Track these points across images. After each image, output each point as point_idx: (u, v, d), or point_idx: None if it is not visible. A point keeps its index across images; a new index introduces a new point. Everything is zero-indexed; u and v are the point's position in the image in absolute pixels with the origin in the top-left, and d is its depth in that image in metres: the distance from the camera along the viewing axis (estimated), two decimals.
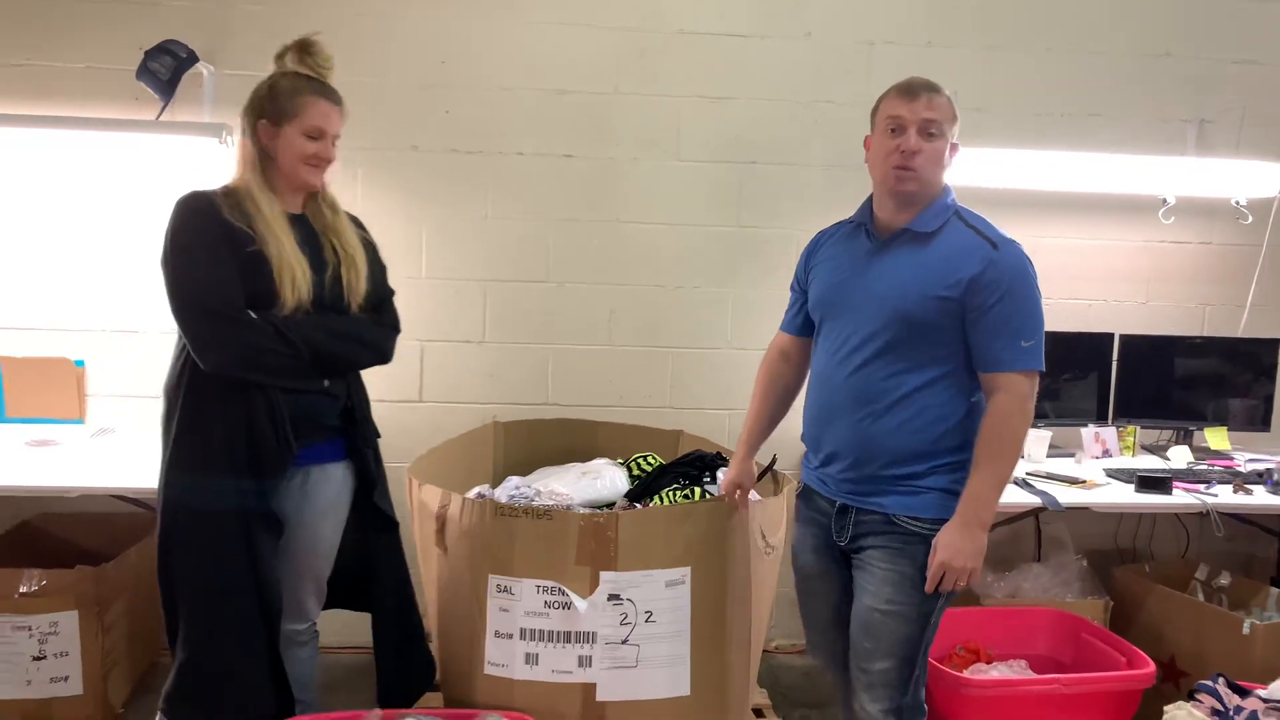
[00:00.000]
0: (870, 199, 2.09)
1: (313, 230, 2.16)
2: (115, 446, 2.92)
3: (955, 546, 1.88)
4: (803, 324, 2.22)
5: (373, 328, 2.24)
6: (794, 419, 2.25)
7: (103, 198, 3.12)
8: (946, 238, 1.97)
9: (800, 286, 2.23)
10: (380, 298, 2.29)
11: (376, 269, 2.28)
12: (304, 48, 2.12)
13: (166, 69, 2.92)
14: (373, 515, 2.30)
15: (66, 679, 2.70)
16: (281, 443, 2.05)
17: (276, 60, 2.15)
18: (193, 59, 2.94)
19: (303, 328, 2.06)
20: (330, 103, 2.11)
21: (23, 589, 2.65)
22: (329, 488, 2.21)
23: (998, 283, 1.90)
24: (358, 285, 2.18)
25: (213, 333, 1.99)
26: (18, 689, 2.68)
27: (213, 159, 3.05)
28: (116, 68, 3.04)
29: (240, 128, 2.14)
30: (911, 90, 1.94)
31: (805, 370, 2.24)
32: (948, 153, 1.97)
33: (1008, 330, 1.90)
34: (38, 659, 2.68)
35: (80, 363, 3.14)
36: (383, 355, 2.26)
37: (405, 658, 2.35)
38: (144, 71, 2.91)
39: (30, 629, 2.66)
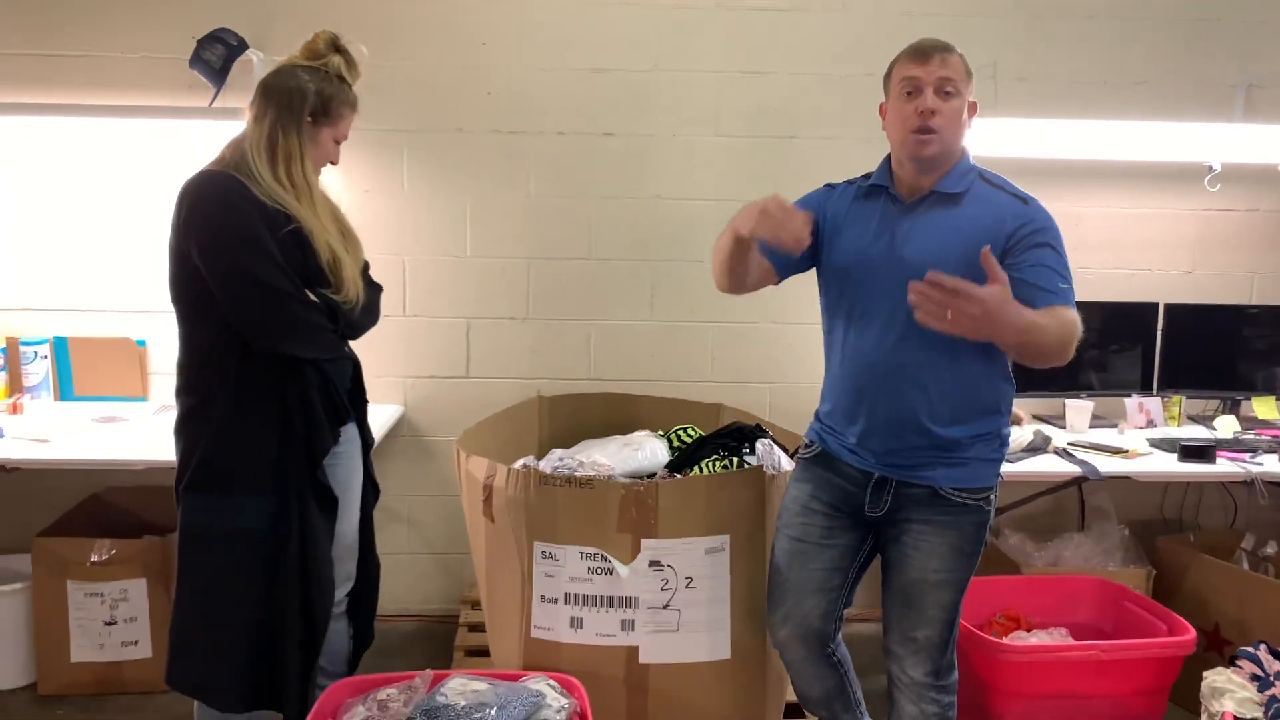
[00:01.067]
0: (888, 161, 2.06)
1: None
2: None
3: (1001, 302, 1.68)
4: (781, 261, 2.07)
5: (378, 295, 2.29)
6: (811, 395, 2.25)
7: (161, 184, 3.22)
8: (975, 197, 1.95)
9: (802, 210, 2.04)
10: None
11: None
12: (345, 55, 2.15)
13: (218, 57, 3.00)
14: (369, 485, 2.34)
15: (136, 643, 2.85)
16: (341, 410, 2.14)
17: (312, 54, 2.14)
18: (243, 46, 3.03)
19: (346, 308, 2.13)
20: (355, 113, 2.18)
21: (94, 558, 2.79)
22: (354, 448, 2.27)
23: (1036, 233, 1.88)
24: (359, 255, 2.23)
25: (278, 313, 2.00)
26: (92, 652, 2.83)
27: None
28: (171, 57, 3.13)
29: (270, 113, 2.08)
30: (924, 51, 1.91)
31: (748, 283, 2.11)
32: (966, 112, 1.95)
33: (1048, 272, 1.86)
34: (109, 624, 2.82)
35: (142, 342, 3.26)
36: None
37: (368, 622, 2.39)
38: (197, 60, 2.99)
39: (102, 595, 2.81)
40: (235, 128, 3.03)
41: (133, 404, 3.22)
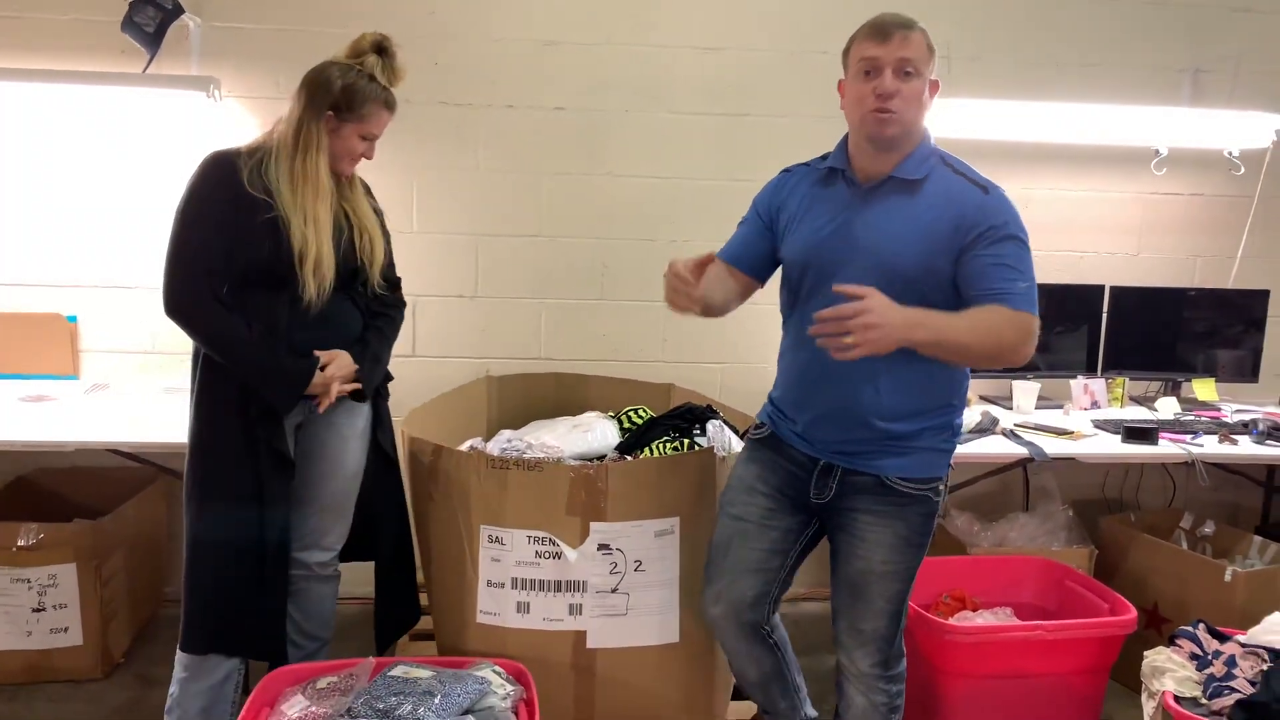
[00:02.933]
0: (844, 142, 2.00)
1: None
2: (109, 401, 2.94)
3: (884, 306, 1.70)
4: (750, 261, 2.09)
5: (390, 338, 2.37)
6: (763, 375, 2.22)
7: (92, 152, 3.10)
8: (935, 184, 1.89)
9: (760, 218, 2.09)
10: (392, 274, 2.40)
11: (386, 238, 2.37)
12: (387, 55, 2.22)
13: (152, 21, 2.88)
14: (377, 456, 2.40)
15: (66, 630, 2.75)
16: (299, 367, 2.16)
17: (353, 52, 2.20)
18: (178, 10, 2.90)
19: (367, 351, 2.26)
20: (390, 113, 2.22)
21: (21, 543, 2.68)
22: (354, 418, 2.33)
23: (995, 226, 1.83)
24: (375, 254, 2.27)
25: (172, 283, 2.10)
26: (18, 640, 2.73)
27: (201, 112, 3.04)
28: (103, 20, 3.00)
29: (299, 103, 2.14)
30: (884, 29, 1.84)
31: (730, 305, 2.11)
32: (927, 91, 1.89)
33: (1005, 270, 1.82)
34: (37, 610, 2.72)
35: (73, 318, 3.14)
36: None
37: (401, 596, 2.46)
38: (129, 24, 2.87)
39: (29, 581, 2.71)
40: (171, 95, 2.97)
41: (63, 382, 3.10)
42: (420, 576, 2.51)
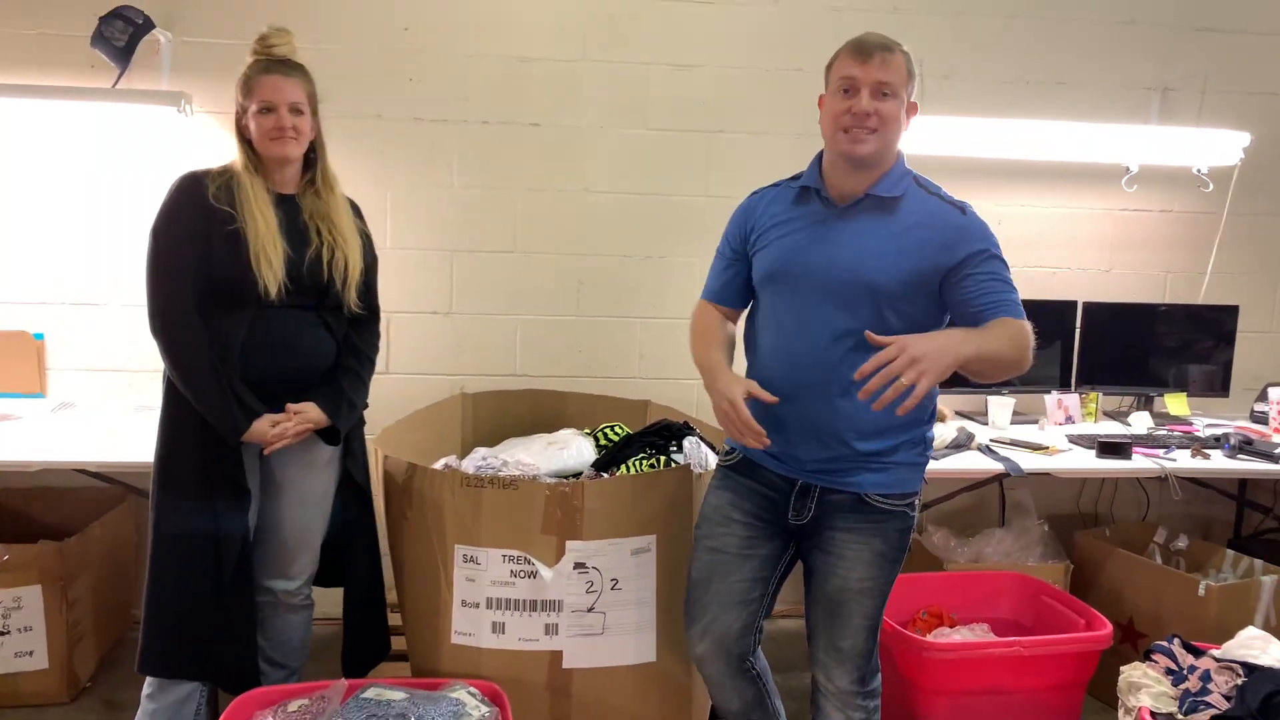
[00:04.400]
0: (818, 160, 1.99)
1: (299, 211, 2.23)
2: (77, 420, 2.89)
3: (918, 341, 1.69)
4: (736, 295, 2.12)
5: (365, 379, 2.36)
6: None
7: (61, 169, 3.06)
8: (911, 204, 1.91)
9: (734, 251, 2.10)
10: (371, 302, 2.39)
11: (368, 261, 2.36)
12: (259, 36, 2.21)
13: (122, 36, 2.86)
14: (348, 487, 2.39)
15: (31, 653, 2.69)
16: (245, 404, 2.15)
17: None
18: (149, 25, 2.88)
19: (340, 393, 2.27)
20: (279, 75, 2.17)
21: None
22: (321, 448, 2.30)
23: (977, 243, 1.86)
24: (348, 271, 2.25)
25: (151, 302, 2.15)
26: None
27: (172, 128, 3.01)
28: (71, 34, 2.97)
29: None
30: (864, 50, 1.85)
31: (735, 340, 2.15)
32: (904, 114, 1.90)
33: (999, 284, 1.85)
34: (1, 634, 2.66)
35: (40, 335, 3.09)
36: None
37: (370, 630, 2.44)
38: (99, 38, 2.85)
39: None
40: (142, 111, 2.94)
41: (29, 401, 3.05)
42: (393, 597, 2.48)
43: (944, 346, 1.70)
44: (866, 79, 1.84)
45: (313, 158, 2.27)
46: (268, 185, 2.20)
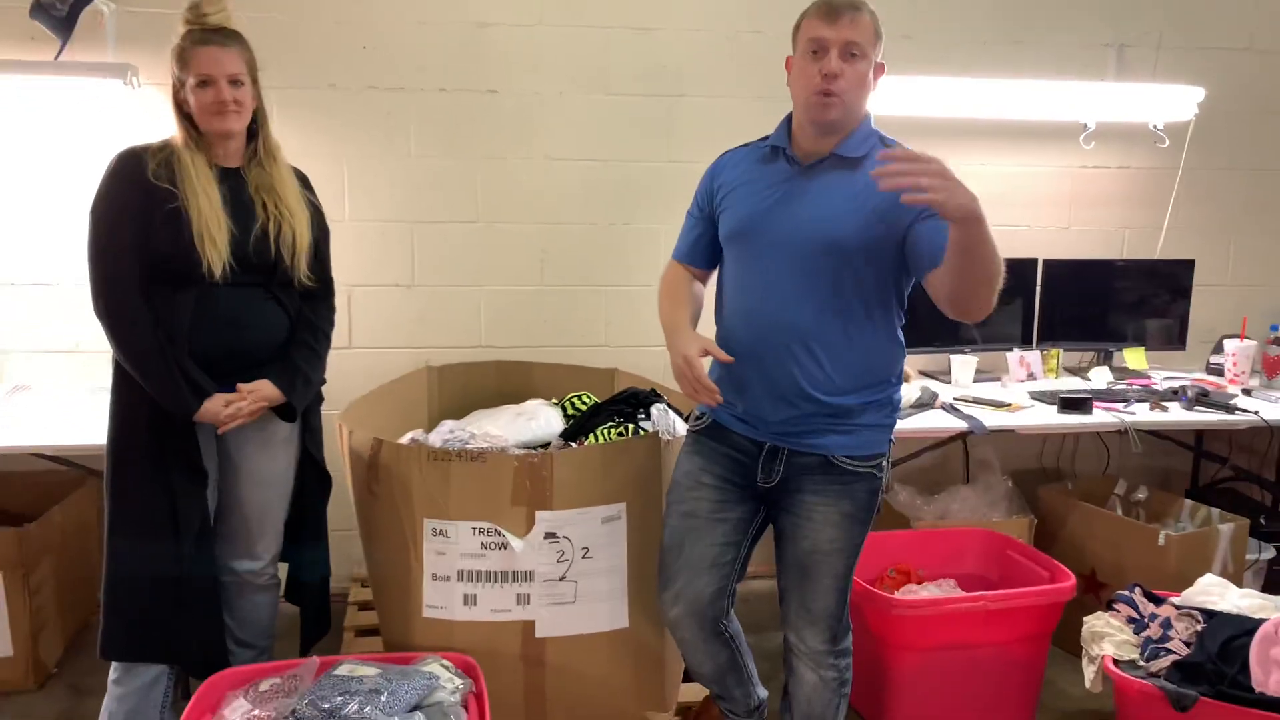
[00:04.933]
0: (788, 120, 1.99)
1: (244, 185, 2.18)
2: (32, 404, 2.83)
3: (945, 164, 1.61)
4: (705, 255, 2.12)
5: (321, 354, 2.32)
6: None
7: (5, 145, 2.97)
8: (873, 163, 1.84)
9: (701, 211, 2.10)
10: (323, 275, 2.34)
11: (318, 234, 2.31)
12: (190, 5, 2.13)
13: (62, 6, 2.76)
14: (308, 465, 2.37)
15: None
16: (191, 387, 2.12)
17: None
18: None
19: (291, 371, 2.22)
20: (216, 46, 2.09)
21: None
22: (278, 425, 2.27)
23: None
24: (295, 243, 2.20)
25: (93, 279, 2.10)
26: None
27: (118, 101, 2.93)
28: (7, 4, 2.87)
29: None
30: (833, 10, 1.84)
31: (703, 300, 2.15)
32: (872, 74, 1.90)
33: None
34: None
35: None
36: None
37: (312, 609, 2.46)
38: (38, 9, 2.75)
39: None
40: (86, 84, 2.86)
41: None
42: (363, 572, 2.47)
43: (969, 192, 1.61)
44: (835, 39, 1.83)
45: (254, 128, 2.21)
46: (210, 160, 2.14)
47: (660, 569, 2.14)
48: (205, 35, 2.09)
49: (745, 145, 2.10)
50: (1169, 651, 2.26)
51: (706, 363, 1.93)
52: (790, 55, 1.96)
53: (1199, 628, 2.31)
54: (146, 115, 2.92)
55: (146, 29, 2.94)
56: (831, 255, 1.88)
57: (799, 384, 1.93)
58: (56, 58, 2.82)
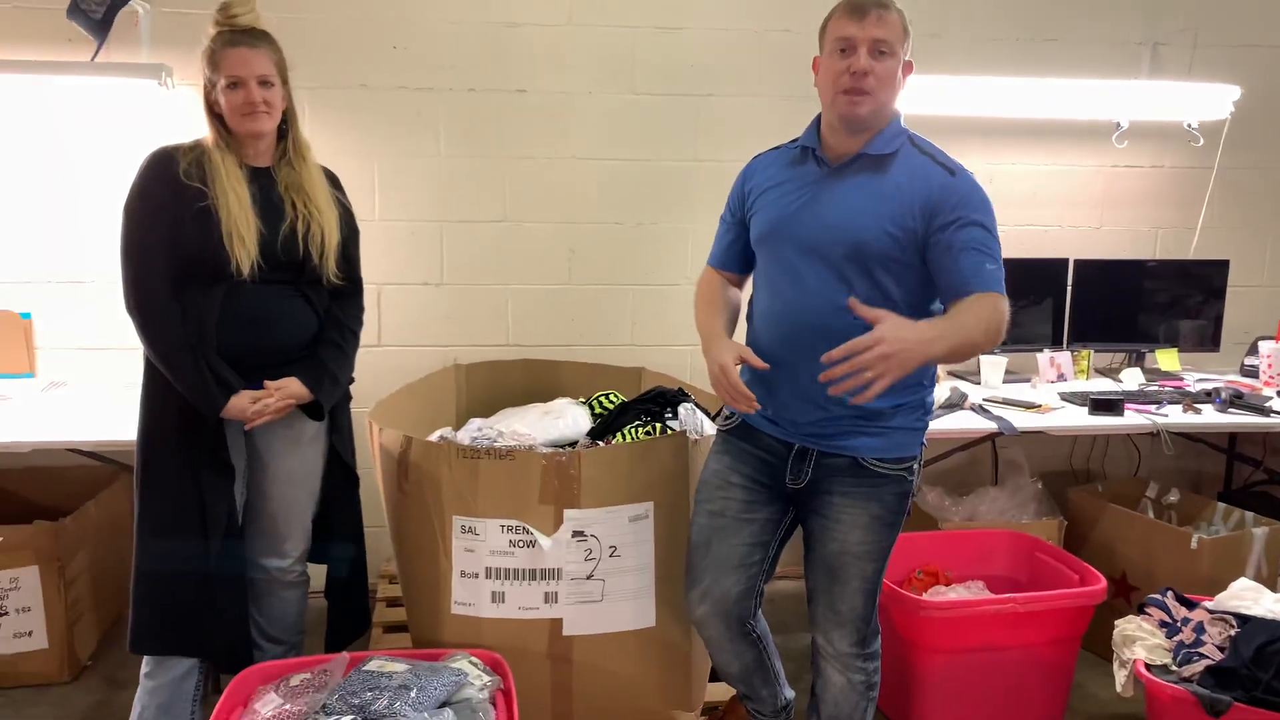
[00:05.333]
0: (817, 122, 1.98)
1: (274, 185, 2.20)
2: (68, 399, 2.87)
3: (896, 330, 1.67)
4: (739, 260, 2.12)
5: (350, 352, 2.32)
6: None
7: (42, 145, 3.02)
8: (902, 164, 1.89)
9: (734, 216, 2.11)
10: (352, 274, 2.35)
11: (347, 233, 2.32)
12: (220, 6, 2.15)
13: (99, 7, 2.80)
14: (336, 465, 2.38)
15: (30, 634, 2.70)
16: (219, 385, 2.13)
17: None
18: None
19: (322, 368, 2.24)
20: (246, 48, 2.11)
21: None
22: (305, 424, 2.28)
23: (960, 206, 1.82)
24: (324, 242, 2.21)
25: (125, 281, 2.12)
26: None
27: (153, 100, 2.97)
28: (46, 7, 2.91)
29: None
30: (860, 8, 1.82)
31: (740, 305, 2.16)
32: (900, 72, 1.88)
33: (975, 254, 1.80)
34: (0, 615, 2.66)
35: (27, 315, 3.06)
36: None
37: (351, 609, 2.47)
38: (75, 10, 2.79)
39: None
40: (122, 84, 2.90)
41: (17, 381, 3.03)
42: (393, 568, 2.49)
43: (917, 346, 1.67)
44: (863, 37, 1.82)
45: (285, 128, 2.23)
46: (241, 159, 2.16)
47: (687, 568, 2.14)
48: (235, 36, 2.11)
49: (776, 148, 2.09)
50: (1202, 656, 2.24)
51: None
52: (817, 56, 1.95)
53: (1232, 632, 2.28)
54: (180, 115, 2.96)
55: (181, 30, 2.98)
56: (858, 257, 1.87)
57: (827, 386, 1.91)
58: (93, 58, 2.86)
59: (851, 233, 1.87)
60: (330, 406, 2.30)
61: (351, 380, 2.38)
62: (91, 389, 2.99)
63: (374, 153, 3.17)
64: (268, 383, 2.16)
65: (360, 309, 2.40)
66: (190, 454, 2.15)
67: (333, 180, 2.33)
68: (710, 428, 2.35)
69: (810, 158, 1.98)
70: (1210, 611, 2.38)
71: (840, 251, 1.88)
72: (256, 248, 2.11)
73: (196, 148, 2.15)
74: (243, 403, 2.13)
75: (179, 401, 2.12)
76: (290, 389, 2.19)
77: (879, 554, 2.00)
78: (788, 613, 3.13)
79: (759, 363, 1.90)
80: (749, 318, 2.09)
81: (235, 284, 2.11)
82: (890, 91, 1.88)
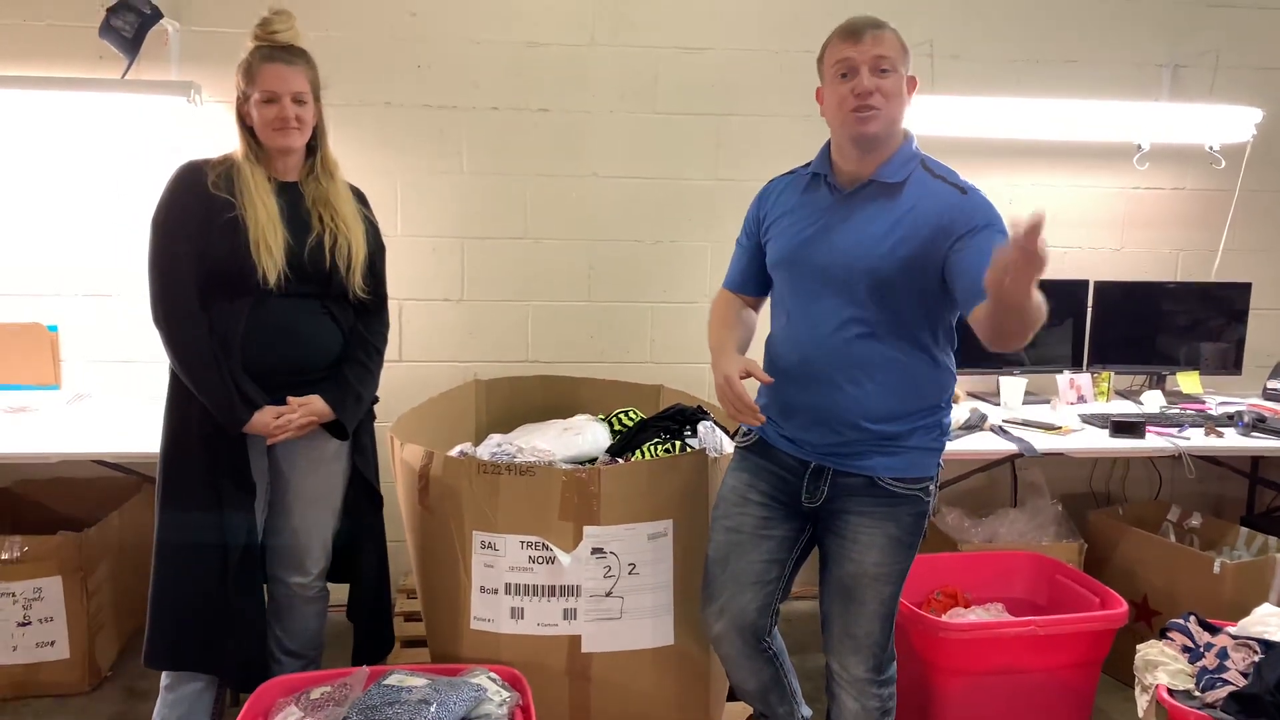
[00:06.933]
0: (827, 147, 1.99)
1: (302, 199, 2.22)
2: (92, 411, 2.91)
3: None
4: (755, 283, 2.14)
5: (374, 371, 2.35)
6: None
7: (71, 160, 3.06)
8: (914, 188, 1.88)
9: (750, 239, 2.12)
10: (378, 290, 2.36)
11: (374, 248, 2.34)
12: (260, 22, 2.18)
13: (130, 26, 2.85)
14: (358, 484, 2.39)
15: (53, 643, 2.72)
16: (244, 403, 2.15)
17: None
18: (157, 15, 2.87)
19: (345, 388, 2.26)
20: (283, 64, 2.14)
21: (4, 556, 2.65)
22: (327, 442, 2.30)
23: (973, 217, 1.81)
24: (351, 257, 2.23)
25: (153, 292, 2.14)
26: (4, 654, 2.69)
27: (182, 117, 3.01)
28: (79, 25, 2.97)
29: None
30: (855, 30, 1.84)
31: (754, 325, 2.16)
32: (905, 88, 1.87)
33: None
34: (23, 625, 2.68)
35: (53, 328, 3.10)
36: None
37: (375, 629, 2.47)
38: (107, 29, 2.84)
39: (14, 595, 2.67)
40: (151, 101, 2.94)
41: (44, 393, 3.07)
42: (412, 583, 2.50)
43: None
44: (862, 57, 1.83)
45: (314, 144, 2.25)
46: (269, 173, 2.19)
47: (704, 584, 2.14)
48: (273, 52, 2.13)
49: (789, 173, 2.10)
50: (1225, 683, 2.21)
51: (750, 384, 1.94)
52: (819, 87, 1.96)
53: (1256, 658, 2.26)
54: (209, 132, 3.00)
55: (210, 47, 3.02)
56: (872, 284, 1.87)
57: (843, 412, 1.92)
58: (123, 76, 2.91)
59: (864, 260, 1.88)
60: (354, 426, 2.30)
61: (375, 399, 2.39)
62: (116, 401, 3.03)
63: (397, 170, 3.20)
64: (291, 399, 2.18)
65: (385, 325, 2.41)
66: (212, 469, 2.17)
67: (359, 197, 2.36)
68: (729, 446, 2.35)
69: (822, 184, 1.98)
70: (1233, 637, 2.35)
71: (852, 279, 1.89)
72: (284, 258, 2.13)
73: (225, 161, 2.18)
74: (265, 418, 2.15)
75: (202, 416, 2.14)
76: (313, 406, 2.20)
77: (895, 576, 1.99)
78: (803, 632, 3.11)
79: (764, 377, 1.91)
80: (767, 339, 2.09)
81: (262, 295, 2.13)
82: (898, 107, 1.87)
